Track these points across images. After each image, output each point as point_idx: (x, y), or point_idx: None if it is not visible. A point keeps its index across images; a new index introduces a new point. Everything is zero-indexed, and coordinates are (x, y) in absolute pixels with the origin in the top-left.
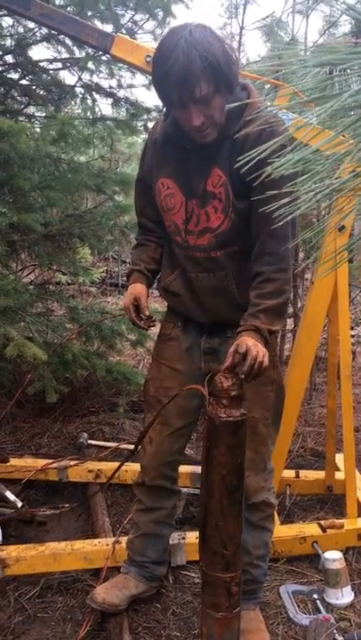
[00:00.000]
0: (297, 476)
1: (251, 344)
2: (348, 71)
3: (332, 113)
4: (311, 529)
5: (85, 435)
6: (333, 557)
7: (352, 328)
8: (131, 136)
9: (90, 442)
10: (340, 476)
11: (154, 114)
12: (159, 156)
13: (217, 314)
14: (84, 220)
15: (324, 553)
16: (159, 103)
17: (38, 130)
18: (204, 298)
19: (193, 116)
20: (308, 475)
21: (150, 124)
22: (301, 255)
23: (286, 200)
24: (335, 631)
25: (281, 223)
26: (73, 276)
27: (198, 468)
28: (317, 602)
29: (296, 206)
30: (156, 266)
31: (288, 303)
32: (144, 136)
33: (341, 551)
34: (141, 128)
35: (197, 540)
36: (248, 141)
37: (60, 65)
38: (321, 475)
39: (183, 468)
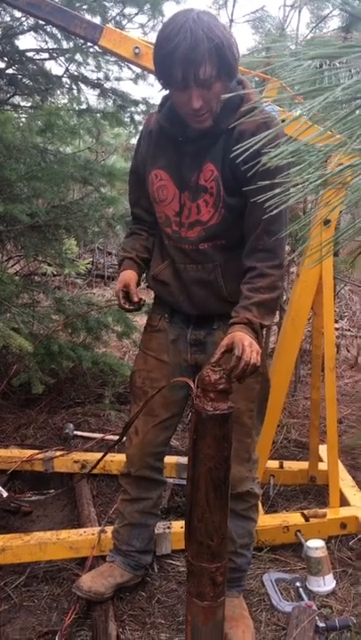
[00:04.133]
0: (281, 467)
1: (246, 343)
2: (338, 64)
3: (326, 105)
4: (294, 518)
5: (71, 426)
6: (316, 546)
7: (336, 321)
8: (117, 127)
9: (75, 433)
10: (323, 466)
11: (141, 106)
12: (154, 148)
13: (204, 305)
14: (70, 211)
15: (306, 542)
16: (147, 95)
17: (24, 120)
18: (192, 289)
19: (193, 98)
20: (292, 465)
21: (137, 117)
22: (287, 248)
23: (279, 190)
24: (317, 618)
25: (276, 218)
26: (59, 267)
27: (184, 459)
28: (300, 589)
29: (289, 196)
30: (148, 255)
31: (280, 299)
32: (130, 128)
33: (324, 540)
34: (128, 120)
35: (182, 530)
36: (243, 138)
37: (46, 55)
38: (304, 465)
39: (168, 459)
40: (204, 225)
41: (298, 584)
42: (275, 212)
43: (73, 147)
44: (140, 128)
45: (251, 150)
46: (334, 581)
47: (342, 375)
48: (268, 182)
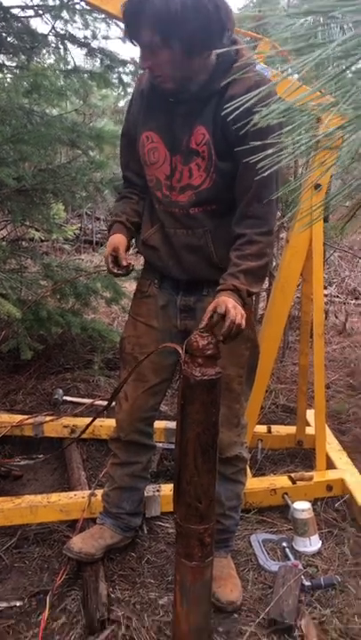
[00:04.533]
0: (269, 432)
1: (230, 305)
2: (333, 23)
3: (319, 63)
4: (282, 481)
5: (60, 391)
6: (302, 508)
7: (325, 288)
8: (105, 88)
9: (65, 398)
10: (310, 431)
11: (130, 67)
12: (145, 108)
13: (193, 271)
14: (57, 175)
15: (293, 504)
16: (135, 55)
17: (10, 80)
18: (182, 254)
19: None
20: (280, 430)
21: (125, 78)
22: (278, 214)
23: (271, 151)
24: (303, 577)
25: (266, 184)
26: (46, 232)
27: (173, 424)
28: (286, 550)
29: (281, 157)
30: (139, 219)
31: (269, 266)
32: (119, 90)
33: (310, 502)
34: (116, 81)
35: (172, 493)
36: (234, 100)
37: (32, 12)
38: (292, 430)
39: (158, 424)
40: (196, 189)
41: (284, 544)
42: (266, 175)
43: (60, 109)
44: (129, 90)
45: (242, 109)
46: (320, 542)
47: (330, 341)
48: (259, 143)
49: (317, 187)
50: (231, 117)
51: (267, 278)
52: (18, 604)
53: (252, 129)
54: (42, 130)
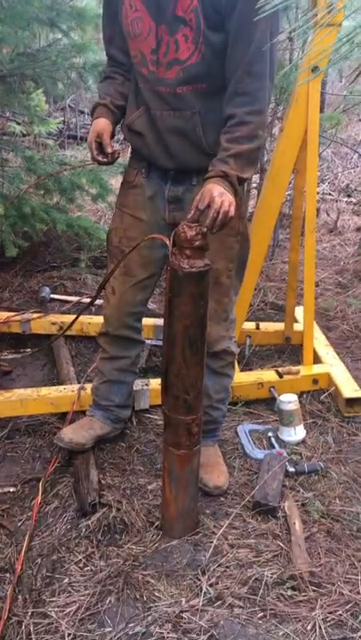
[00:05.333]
0: (257, 328)
1: (216, 194)
2: None
3: None
4: (269, 375)
5: (47, 289)
6: (289, 399)
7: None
8: None
9: (52, 296)
10: (298, 327)
11: None
12: None
13: (182, 158)
14: (37, 59)
15: (280, 396)
16: None
17: None
18: (169, 139)
19: None
20: (268, 326)
21: None
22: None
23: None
24: (287, 463)
25: (258, 57)
26: (28, 125)
27: (161, 321)
28: (272, 439)
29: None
30: (124, 102)
31: (261, 149)
32: None
33: (296, 394)
34: None
35: (160, 386)
36: None
37: None
38: (280, 327)
39: (146, 321)
40: (183, 64)
41: (270, 434)
42: (258, 48)
43: None
44: None
45: None
46: (305, 431)
47: (321, 239)
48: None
49: (315, 69)
50: None
51: (258, 174)
52: (11, 489)
53: None
54: (18, 7)
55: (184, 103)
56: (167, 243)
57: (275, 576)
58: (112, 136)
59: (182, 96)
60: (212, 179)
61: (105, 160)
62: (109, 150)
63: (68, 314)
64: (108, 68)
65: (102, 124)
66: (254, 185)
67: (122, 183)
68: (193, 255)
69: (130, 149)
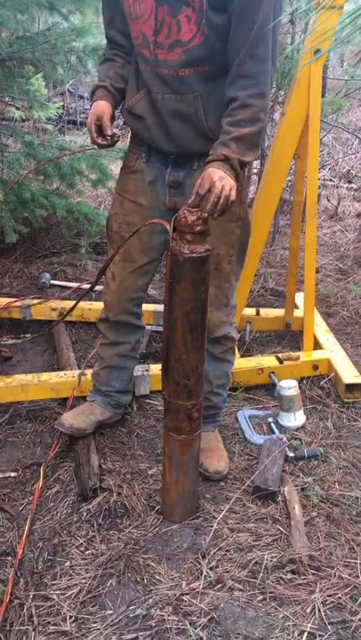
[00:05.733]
0: (257, 314)
1: (216, 178)
2: None
3: None
4: (269, 361)
5: (47, 275)
6: (288, 385)
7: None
8: None
9: (52, 282)
10: (298, 313)
11: None
12: None
13: (183, 142)
14: (36, 42)
15: (280, 382)
16: None
17: None
18: (170, 123)
19: None
20: (268, 313)
21: None
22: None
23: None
24: (287, 449)
25: (261, 40)
26: (27, 110)
27: (162, 307)
28: (272, 424)
29: None
30: (124, 84)
31: (263, 133)
32: None
33: (296, 380)
34: None
35: (160, 372)
36: None
37: None
38: (280, 313)
39: (147, 307)
40: (185, 46)
41: (270, 420)
42: (261, 30)
43: None
44: None
45: None
46: (305, 417)
47: (321, 225)
48: None
49: (317, 52)
50: None
51: (259, 160)
52: (12, 474)
53: None
54: None
55: (186, 86)
56: (168, 228)
57: (274, 560)
58: (112, 119)
59: (184, 79)
60: (212, 162)
61: (105, 143)
62: (109, 133)
63: (69, 300)
64: (108, 50)
65: (102, 106)
66: (255, 170)
67: (121, 168)
68: (194, 240)
69: (130, 134)
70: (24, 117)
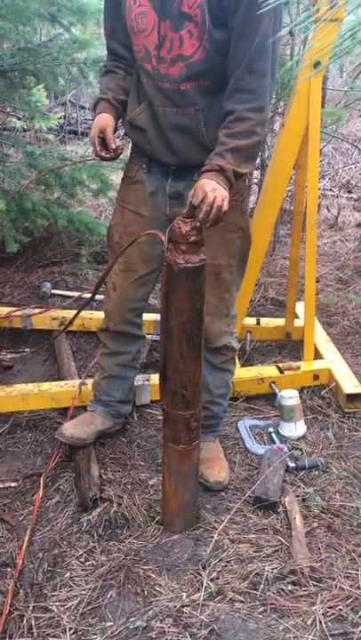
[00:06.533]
0: (258, 324)
1: (209, 189)
2: None
3: None
4: (269, 371)
5: (48, 284)
6: (289, 395)
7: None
8: None
9: (53, 291)
10: (298, 323)
11: None
12: None
13: (184, 154)
14: (38, 54)
15: (280, 391)
16: None
17: None
18: (171, 136)
19: None
20: (269, 322)
21: None
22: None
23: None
24: (288, 459)
25: (260, 55)
26: (29, 120)
27: None
28: (272, 434)
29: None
30: (125, 96)
31: (259, 146)
32: None
33: (297, 390)
34: None
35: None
36: None
37: None
38: (281, 322)
39: (147, 316)
40: (187, 61)
41: (271, 429)
42: (260, 46)
43: None
44: None
45: None
46: (305, 427)
47: (322, 235)
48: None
49: (317, 65)
50: None
51: (259, 170)
52: (13, 484)
53: None
54: (20, 3)
55: (187, 100)
56: (163, 239)
57: (275, 571)
58: (115, 131)
59: (186, 93)
60: (207, 173)
61: (108, 155)
62: (113, 146)
63: (69, 309)
64: (109, 61)
65: (105, 119)
66: (255, 181)
67: (122, 179)
68: (188, 250)
69: (130, 145)
70: (25, 127)
